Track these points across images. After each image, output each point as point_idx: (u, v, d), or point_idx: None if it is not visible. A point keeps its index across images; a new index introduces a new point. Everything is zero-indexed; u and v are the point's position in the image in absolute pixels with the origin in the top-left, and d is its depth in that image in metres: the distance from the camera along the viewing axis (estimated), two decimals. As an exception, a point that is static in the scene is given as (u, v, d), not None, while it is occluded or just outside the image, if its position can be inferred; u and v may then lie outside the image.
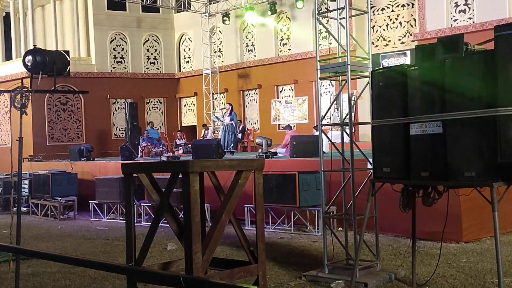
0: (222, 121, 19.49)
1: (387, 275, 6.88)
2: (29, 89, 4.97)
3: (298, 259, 8.34)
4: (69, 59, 5.47)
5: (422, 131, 5.69)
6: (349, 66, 6.83)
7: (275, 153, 14.65)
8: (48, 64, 5.08)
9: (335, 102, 20.85)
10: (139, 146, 18.56)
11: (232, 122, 19.34)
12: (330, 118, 20.58)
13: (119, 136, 25.37)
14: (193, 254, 2.50)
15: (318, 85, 7.18)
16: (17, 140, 5.23)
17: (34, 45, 5.19)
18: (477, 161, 5.19)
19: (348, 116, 7.07)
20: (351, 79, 6.93)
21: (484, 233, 9.43)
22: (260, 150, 14.03)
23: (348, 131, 7.08)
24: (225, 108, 20.43)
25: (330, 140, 7.74)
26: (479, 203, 9.30)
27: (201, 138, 21.03)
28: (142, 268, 2.66)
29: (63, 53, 5.45)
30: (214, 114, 21.51)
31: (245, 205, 11.34)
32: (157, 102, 26.88)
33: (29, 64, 4.84)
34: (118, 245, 9.94)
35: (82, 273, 7.87)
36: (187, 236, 2.51)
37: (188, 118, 27.02)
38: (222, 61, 25.12)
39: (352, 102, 7.17)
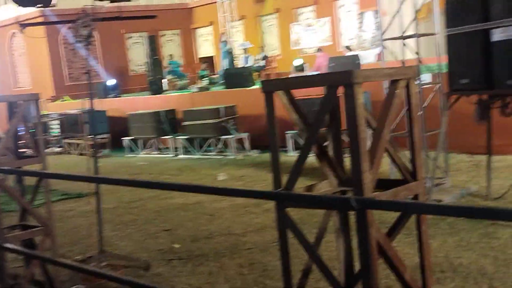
0: (245, 48, 18.99)
1: (459, 191, 6.73)
2: (94, 17, 4.63)
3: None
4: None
5: (507, 36, 5.33)
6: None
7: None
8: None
9: (360, 22, 20.05)
10: (163, 80, 18.14)
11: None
12: (356, 38, 19.99)
13: (137, 71, 24.93)
14: (363, 173, 2.27)
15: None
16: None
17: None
18: None
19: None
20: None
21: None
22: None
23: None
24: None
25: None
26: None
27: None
28: (298, 193, 2.46)
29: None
30: (229, 40, 20.79)
31: (286, 132, 11.12)
32: (172, 34, 26.21)
33: (93, -11, 4.49)
34: (168, 179, 9.85)
35: (143, 207, 7.82)
36: (354, 155, 2.27)
37: (205, 49, 26.41)
38: (237, -13, 24.18)
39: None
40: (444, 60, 6.42)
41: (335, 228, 2.84)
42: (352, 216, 2.56)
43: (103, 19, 4.71)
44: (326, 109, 2.39)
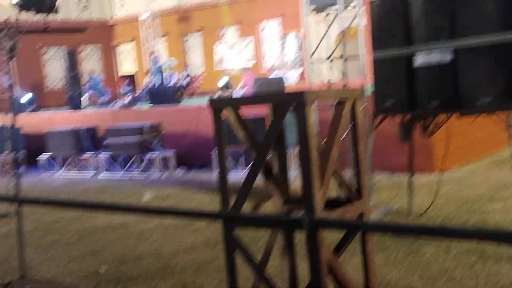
0: (169, 66, 18.85)
1: (384, 208, 6.95)
2: (18, 29, 4.40)
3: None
4: (55, -5, 4.91)
5: (428, 60, 5.61)
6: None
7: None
8: (36, 1, 4.52)
9: (282, 43, 20.43)
10: (83, 96, 17.55)
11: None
12: (278, 58, 20.37)
13: (54, 87, 24.06)
14: (314, 193, 2.28)
15: (305, 20, 6.91)
16: None
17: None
18: (493, 87, 5.17)
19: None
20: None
21: (453, 163, 9.69)
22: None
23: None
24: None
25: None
26: (450, 133, 9.54)
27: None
28: (248, 213, 2.42)
29: (48, -12, 4.88)
30: (154, 58, 20.51)
31: (212, 151, 11.04)
32: (92, 50, 25.56)
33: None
34: (90, 199, 9.47)
35: (65, 228, 7.46)
36: (305, 173, 2.28)
37: (127, 65, 25.93)
38: (160, 4, 24.04)
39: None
40: (368, 81, 6.67)
41: (280, 247, 2.82)
42: (299, 235, 2.55)
43: (28, 32, 4.48)
44: (276, 129, 2.38)
